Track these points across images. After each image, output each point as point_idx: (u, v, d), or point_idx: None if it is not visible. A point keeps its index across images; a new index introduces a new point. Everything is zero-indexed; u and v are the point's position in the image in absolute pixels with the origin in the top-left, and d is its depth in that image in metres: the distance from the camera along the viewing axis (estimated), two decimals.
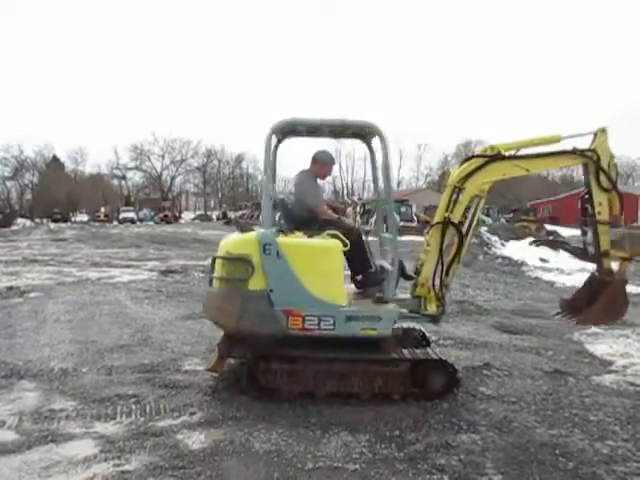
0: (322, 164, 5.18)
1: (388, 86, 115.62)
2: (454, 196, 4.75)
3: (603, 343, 6.50)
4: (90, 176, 72.36)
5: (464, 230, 4.79)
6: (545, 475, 3.36)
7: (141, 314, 7.88)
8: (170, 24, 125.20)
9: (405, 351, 4.74)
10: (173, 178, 74.73)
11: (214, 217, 63.93)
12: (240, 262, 4.39)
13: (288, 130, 4.97)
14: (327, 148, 5.34)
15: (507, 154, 4.83)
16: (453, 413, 4.25)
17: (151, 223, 50.34)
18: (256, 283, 4.35)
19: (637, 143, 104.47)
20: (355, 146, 66.52)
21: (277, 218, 5.19)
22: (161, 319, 7.54)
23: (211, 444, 3.69)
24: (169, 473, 3.30)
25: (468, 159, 4.95)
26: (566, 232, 30.18)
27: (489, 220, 34.48)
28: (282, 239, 4.44)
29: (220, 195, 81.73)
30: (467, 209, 4.83)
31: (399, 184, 70.92)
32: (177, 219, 57.09)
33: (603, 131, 4.93)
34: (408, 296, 4.84)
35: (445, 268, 4.74)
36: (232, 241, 4.67)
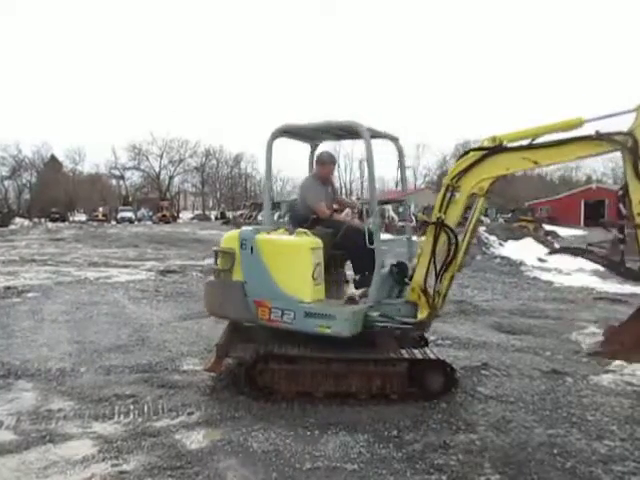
0: (322, 164, 5.30)
1: (386, 86, 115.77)
2: (447, 195, 4.41)
3: None
4: (88, 176, 72.20)
5: (464, 232, 4.46)
6: (543, 475, 3.36)
7: (139, 314, 7.87)
8: (169, 24, 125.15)
9: (403, 351, 4.74)
10: (171, 178, 74.64)
11: (212, 217, 63.88)
12: (227, 255, 4.77)
13: (287, 135, 5.11)
14: (328, 148, 5.39)
15: (511, 145, 4.29)
16: (451, 413, 4.25)
17: (149, 223, 50.27)
18: (236, 275, 4.73)
19: None
20: (353, 147, 66.49)
21: (287, 218, 5.45)
22: (159, 319, 7.53)
23: (209, 444, 3.69)
24: (167, 473, 3.30)
25: (465, 154, 4.50)
26: (565, 232, 30.30)
27: (487, 220, 34.58)
28: (259, 236, 4.70)
29: (218, 195, 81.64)
30: (468, 209, 4.50)
31: (397, 184, 71.16)
32: (175, 219, 57.01)
33: None
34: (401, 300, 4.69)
35: (438, 273, 4.45)
36: (224, 237, 5.01)
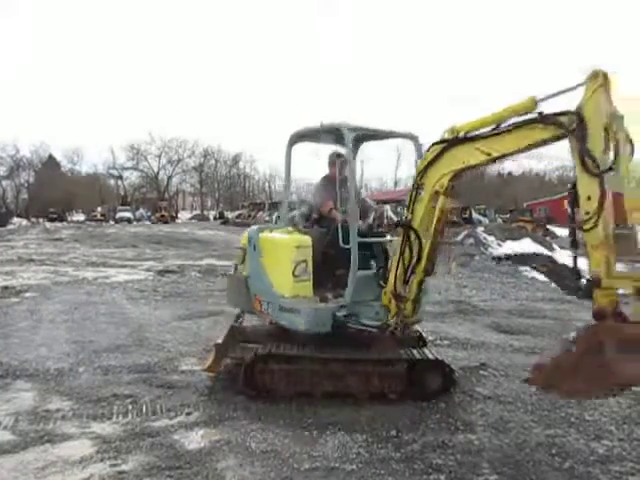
0: (331, 164, 5.40)
1: (384, 86, 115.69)
2: (413, 194, 4.14)
3: None
4: (86, 176, 72.12)
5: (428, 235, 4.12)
6: (541, 475, 3.36)
7: (137, 314, 7.87)
8: (168, 24, 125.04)
9: (402, 351, 4.74)
10: (170, 178, 74.50)
11: (211, 217, 63.85)
12: (241, 251, 5.20)
13: (305, 139, 5.33)
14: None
15: (467, 136, 3.79)
16: (450, 413, 4.25)
17: (148, 223, 50.22)
18: (244, 269, 5.11)
19: None
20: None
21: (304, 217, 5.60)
22: (158, 319, 7.53)
23: (208, 444, 3.69)
24: (166, 473, 3.29)
25: (429, 148, 4.08)
26: (563, 232, 30.34)
27: (486, 220, 34.60)
28: (261, 234, 5.02)
29: (217, 195, 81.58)
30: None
31: (396, 184, 71.05)
32: (174, 219, 56.92)
33: (596, 77, 3.15)
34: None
35: (405, 277, 4.24)
36: (243, 234, 5.38)
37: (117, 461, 3.44)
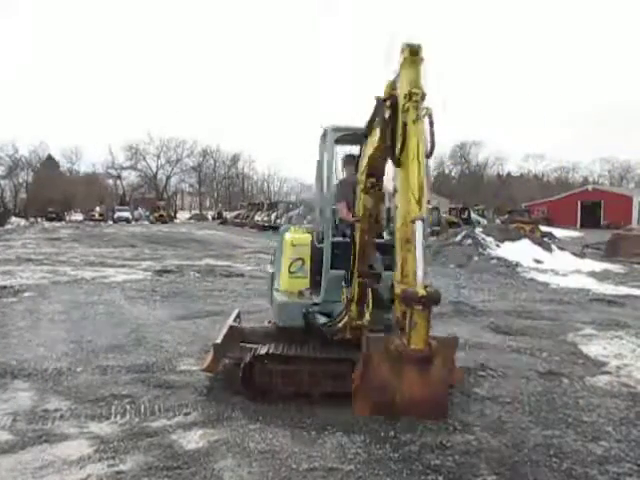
0: (342, 167, 5.41)
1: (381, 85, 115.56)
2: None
3: (597, 344, 6.53)
4: (85, 175, 72.06)
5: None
6: (539, 476, 3.37)
7: (136, 314, 7.86)
8: (167, 24, 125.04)
9: None
10: (168, 178, 74.53)
11: (210, 217, 63.80)
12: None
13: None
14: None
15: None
16: (448, 413, 4.25)
17: (146, 223, 50.15)
18: (273, 267, 5.40)
19: (630, 143, 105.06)
20: (352, 148, 66.39)
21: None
22: (156, 319, 7.52)
23: (206, 444, 3.68)
24: (164, 473, 3.29)
25: None
26: (561, 233, 30.38)
27: (484, 221, 34.62)
28: (285, 233, 5.24)
29: (216, 195, 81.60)
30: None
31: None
32: (172, 219, 56.86)
33: (410, 52, 2.85)
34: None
35: (349, 276, 4.19)
36: None
37: (115, 461, 3.43)
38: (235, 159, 78.74)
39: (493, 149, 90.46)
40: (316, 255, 4.80)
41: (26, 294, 9.47)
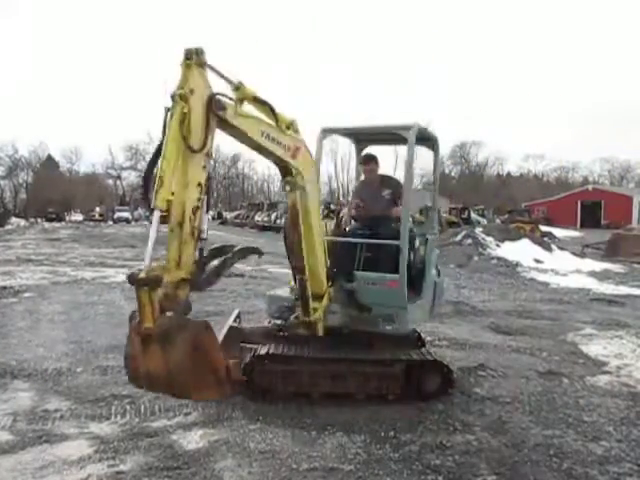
0: (362, 164, 5.39)
1: (382, 87, 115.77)
2: None
3: (597, 344, 6.53)
4: (85, 176, 72.14)
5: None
6: (539, 475, 3.37)
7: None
8: (167, 23, 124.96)
9: (400, 352, 4.74)
10: None
11: (209, 217, 63.77)
12: None
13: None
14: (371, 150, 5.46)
15: None
16: (448, 414, 4.26)
17: (146, 223, 50.06)
18: None
19: (630, 143, 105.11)
20: (351, 147, 66.32)
21: None
22: None
23: (206, 444, 3.68)
24: (164, 473, 3.29)
25: None
26: (561, 233, 30.38)
27: (484, 221, 34.62)
28: None
29: (215, 195, 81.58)
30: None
31: None
32: None
33: (191, 56, 3.00)
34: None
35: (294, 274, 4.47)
36: None
37: (115, 461, 3.43)
38: (235, 159, 78.74)
39: (493, 149, 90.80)
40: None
41: (26, 294, 9.46)
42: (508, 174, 77.57)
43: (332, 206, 28.73)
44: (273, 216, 35.09)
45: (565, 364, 5.72)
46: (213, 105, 3.09)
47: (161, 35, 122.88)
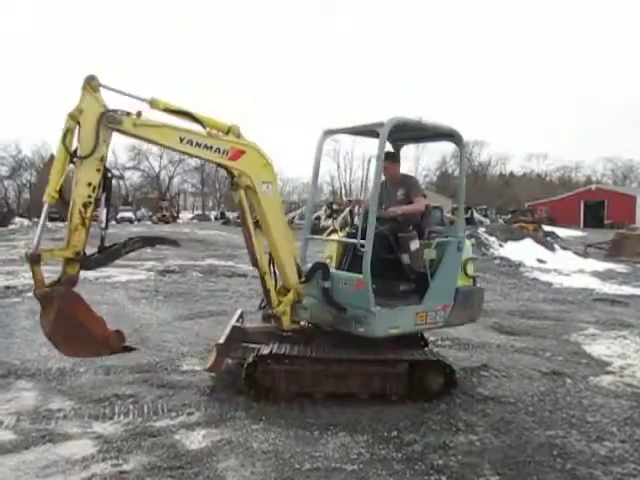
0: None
1: (384, 86, 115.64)
2: None
3: (600, 344, 6.52)
4: None
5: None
6: (542, 476, 3.36)
7: (139, 314, 7.87)
8: (168, 23, 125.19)
9: (403, 352, 4.74)
10: (171, 178, 74.50)
11: (212, 217, 63.83)
12: None
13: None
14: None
15: None
16: (451, 414, 4.25)
17: (149, 223, 50.19)
18: None
19: (633, 142, 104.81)
20: (355, 146, 66.31)
21: None
22: (159, 319, 7.53)
23: (209, 444, 3.69)
24: (167, 473, 3.30)
25: None
26: (564, 233, 30.31)
27: (487, 221, 34.56)
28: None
29: (218, 195, 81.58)
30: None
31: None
32: (175, 219, 56.85)
33: (87, 82, 3.69)
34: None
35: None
36: None
37: (118, 461, 3.44)
38: None
39: (496, 148, 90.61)
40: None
41: (29, 294, 9.43)
42: (511, 174, 77.43)
43: (334, 206, 28.73)
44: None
45: (568, 364, 5.71)
46: (104, 120, 3.69)
47: (163, 34, 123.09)
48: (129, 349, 4.13)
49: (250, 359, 4.53)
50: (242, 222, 4.52)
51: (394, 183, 5.22)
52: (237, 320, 5.43)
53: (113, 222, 50.22)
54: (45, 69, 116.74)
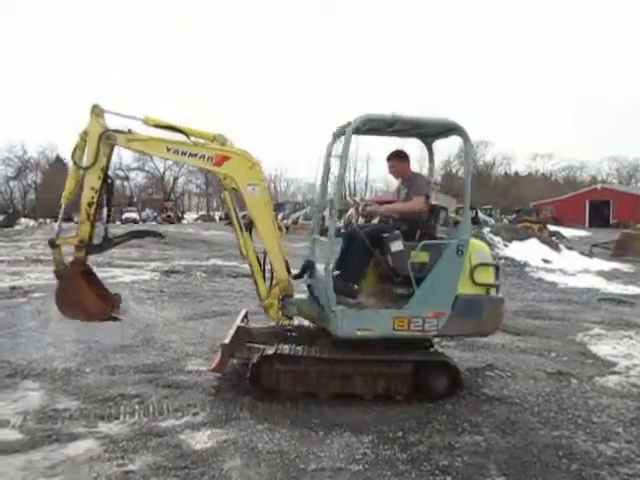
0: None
1: (388, 86, 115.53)
2: None
3: (606, 344, 6.49)
4: None
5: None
6: (548, 477, 3.35)
7: (144, 314, 7.89)
8: (169, 23, 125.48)
9: (408, 352, 4.73)
10: (176, 179, 74.65)
11: (217, 217, 63.94)
12: None
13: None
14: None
15: None
16: (456, 414, 4.24)
17: (154, 223, 50.33)
18: None
19: (639, 142, 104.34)
20: (358, 145, 66.21)
21: None
22: (164, 319, 7.54)
23: (214, 444, 3.69)
24: (172, 473, 3.31)
25: None
26: (569, 233, 30.21)
27: (492, 221, 34.48)
28: None
29: (223, 196, 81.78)
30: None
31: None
32: (180, 219, 57.03)
33: (92, 109, 4.62)
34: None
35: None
36: None
37: (124, 461, 3.45)
38: None
39: (501, 148, 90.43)
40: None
41: (35, 294, 9.51)
42: (516, 173, 77.22)
43: (339, 206, 28.69)
44: (280, 216, 35.09)
45: (574, 364, 5.69)
46: (103, 138, 4.58)
47: (165, 35, 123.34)
48: (115, 319, 4.99)
49: (255, 359, 4.54)
50: (229, 220, 4.90)
51: (403, 182, 5.24)
52: (242, 320, 5.43)
53: (118, 222, 50.50)
54: (50, 70, 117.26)
